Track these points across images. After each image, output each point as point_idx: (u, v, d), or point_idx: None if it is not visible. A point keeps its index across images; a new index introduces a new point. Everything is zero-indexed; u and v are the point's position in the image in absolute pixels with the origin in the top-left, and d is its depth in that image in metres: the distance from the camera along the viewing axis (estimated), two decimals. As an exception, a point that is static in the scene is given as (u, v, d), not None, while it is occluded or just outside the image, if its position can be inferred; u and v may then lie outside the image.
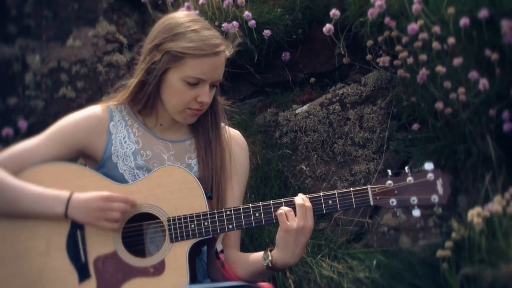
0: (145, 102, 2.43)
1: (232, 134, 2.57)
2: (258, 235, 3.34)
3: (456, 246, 2.87)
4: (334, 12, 3.58)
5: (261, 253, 2.34)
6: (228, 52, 2.41)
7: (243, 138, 2.61)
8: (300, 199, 2.27)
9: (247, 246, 3.26)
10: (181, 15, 2.44)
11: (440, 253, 2.83)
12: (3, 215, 2.31)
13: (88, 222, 2.27)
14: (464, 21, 3.05)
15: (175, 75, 2.35)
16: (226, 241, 2.48)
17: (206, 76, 2.35)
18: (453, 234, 2.85)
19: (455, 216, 3.16)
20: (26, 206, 2.29)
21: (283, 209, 2.26)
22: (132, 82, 2.44)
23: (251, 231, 3.31)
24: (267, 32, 3.73)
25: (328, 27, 3.58)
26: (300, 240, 2.25)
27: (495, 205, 2.77)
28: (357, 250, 3.28)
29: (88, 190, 2.30)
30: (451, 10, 3.09)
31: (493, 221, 2.76)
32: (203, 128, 2.51)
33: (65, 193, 2.29)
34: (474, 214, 2.74)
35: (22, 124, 3.57)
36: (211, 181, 2.44)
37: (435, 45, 3.13)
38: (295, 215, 2.25)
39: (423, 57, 3.18)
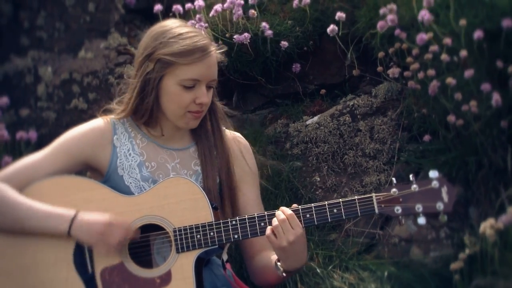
0: (148, 114, 2.43)
1: (234, 137, 2.58)
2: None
3: (469, 258, 2.85)
4: (340, 15, 3.58)
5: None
6: (218, 53, 2.44)
7: (244, 139, 2.62)
8: (280, 213, 2.27)
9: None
10: (167, 23, 2.48)
11: (453, 266, 2.81)
12: (8, 231, 2.33)
13: (88, 244, 2.28)
14: (478, 34, 3.04)
15: (171, 80, 2.37)
16: (256, 246, 2.48)
17: (201, 77, 2.36)
18: (467, 250, 2.84)
19: (467, 228, 3.14)
20: (31, 224, 2.30)
21: (272, 227, 2.26)
22: (129, 97, 2.45)
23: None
24: (284, 44, 3.74)
25: (332, 27, 3.58)
26: (297, 248, 2.25)
27: (508, 216, 2.75)
28: (368, 261, 3.27)
29: (94, 203, 2.32)
30: (463, 22, 3.08)
31: (506, 233, 2.75)
32: (204, 134, 2.52)
33: (70, 212, 2.29)
34: (487, 226, 2.72)
35: (33, 135, 3.58)
36: (219, 187, 2.45)
37: (444, 57, 3.12)
38: (283, 231, 2.24)
39: (431, 72, 3.17)
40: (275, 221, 2.25)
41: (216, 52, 2.42)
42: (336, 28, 3.59)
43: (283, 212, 2.27)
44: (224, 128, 2.55)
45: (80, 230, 2.27)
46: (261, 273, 2.43)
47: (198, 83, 2.37)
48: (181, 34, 2.39)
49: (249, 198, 2.50)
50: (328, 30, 3.60)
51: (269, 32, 3.73)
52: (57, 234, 2.28)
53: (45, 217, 2.29)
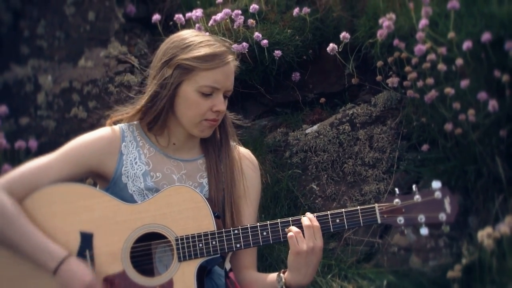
0: (157, 119, 2.43)
1: (243, 153, 2.57)
2: (268, 255, 3.34)
3: (467, 266, 2.86)
4: (344, 35, 3.60)
5: (276, 275, 2.34)
6: (236, 62, 2.44)
7: (254, 157, 2.61)
8: (307, 219, 2.27)
9: (257, 265, 3.26)
10: (186, 32, 2.49)
11: (450, 274, 2.82)
12: (1, 247, 2.33)
13: None
14: (467, 44, 3.06)
15: (189, 87, 2.37)
16: (243, 262, 2.47)
17: (219, 84, 2.37)
18: (464, 259, 2.84)
19: (465, 236, 3.14)
20: (23, 249, 2.28)
21: (292, 231, 2.26)
22: (143, 101, 2.45)
23: (261, 251, 3.31)
24: (277, 53, 3.75)
25: (331, 46, 3.60)
26: (311, 260, 2.25)
27: (506, 225, 2.76)
28: (367, 270, 3.27)
29: (96, 211, 2.31)
30: (451, 35, 3.12)
31: (504, 242, 2.75)
32: (213, 147, 2.52)
33: (62, 253, 2.27)
34: (484, 235, 2.72)
35: (33, 143, 3.58)
36: (223, 201, 2.45)
37: (441, 66, 3.14)
38: (304, 236, 2.25)
39: (430, 80, 3.19)
40: (294, 228, 2.26)
41: (234, 62, 2.43)
42: (336, 47, 3.60)
43: (310, 221, 2.27)
44: (235, 144, 2.55)
45: (63, 275, 2.25)
46: (248, 287, 2.43)
47: (216, 91, 2.38)
48: (201, 41, 2.40)
49: (248, 214, 2.49)
50: (328, 49, 3.62)
51: (264, 42, 3.74)
52: (44, 269, 2.27)
53: (38, 249, 2.27)
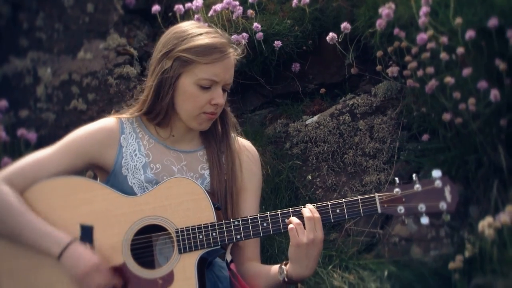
0: (163, 114, 2.43)
1: (243, 145, 2.57)
2: (269, 246, 3.34)
3: (468, 256, 2.86)
4: (345, 26, 3.59)
5: (278, 266, 2.34)
6: (236, 55, 2.43)
7: (254, 148, 2.61)
8: (308, 211, 2.27)
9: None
10: (186, 24, 2.48)
11: (451, 265, 2.82)
12: (4, 238, 2.32)
13: (71, 276, 2.26)
14: (469, 33, 3.05)
15: (188, 79, 2.36)
16: (246, 254, 2.48)
17: (218, 77, 2.36)
18: (467, 251, 2.84)
19: (466, 226, 3.14)
20: (28, 238, 2.29)
21: (293, 223, 2.26)
22: (145, 96, 2.44)
23: (262, 242, 3.31)
24: (277, 43, 3.74)
25: (331, 35, 3.59)
26: (312, 252, 2.25)
27: (506, 215, 2.75)
28: (368, 260, 3.27)
29: (96, 203, 2.31)
30: (458, 21, 3.09)
31: (504, 231, 2.75)
32: (214, 139, 2.52)
33: (66, 238, 2.28)
34: (485, 225, 2.72)
35: (32, 136, 3.58)
36: (224, 192, 2.45)
37: (443, 55, 3.13)
38: (305, 228, 2.25)
39: (430, 69, 3.17)
40: (295, 220, 2.26)
41: (234, 55, 2.41)
42: (336, 36, 3.59)
43: (311, 212, 2.26)
44: (235, 135, 2.55)
45: (69, 260, 2.25)
46: (250, 280, 2.43)
47: (215, 84, 2.37)
48: (201, 33, 2.39)
49: (250, 205, 2.49)
50: (328, 38, 3.60)
51: (260, 34, 3.72)
52: (48, 255, 2.27)
53: (42, 235, 2.28)
